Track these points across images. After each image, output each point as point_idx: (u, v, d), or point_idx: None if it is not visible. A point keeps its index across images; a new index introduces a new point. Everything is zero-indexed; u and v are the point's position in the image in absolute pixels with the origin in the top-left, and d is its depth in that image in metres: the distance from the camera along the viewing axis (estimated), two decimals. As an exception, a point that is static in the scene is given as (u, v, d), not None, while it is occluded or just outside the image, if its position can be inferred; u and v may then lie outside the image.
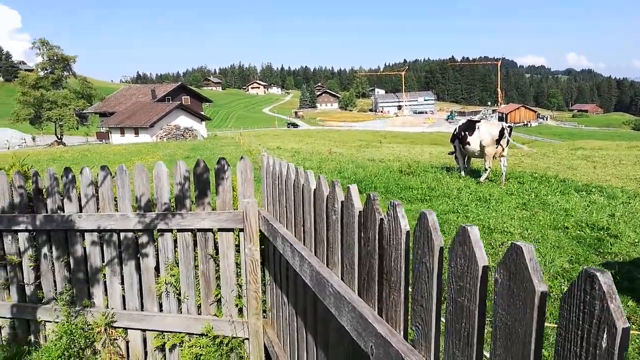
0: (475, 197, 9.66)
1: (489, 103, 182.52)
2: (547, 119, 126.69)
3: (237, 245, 3.34)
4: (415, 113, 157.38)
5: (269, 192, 3.06)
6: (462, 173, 12.55)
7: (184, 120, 49.05)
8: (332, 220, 1.85)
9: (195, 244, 3.41)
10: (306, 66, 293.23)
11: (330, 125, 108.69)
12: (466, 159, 12.82)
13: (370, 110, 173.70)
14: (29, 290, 3.92)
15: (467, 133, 12.16)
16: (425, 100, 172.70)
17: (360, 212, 1.61)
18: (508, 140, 11.63)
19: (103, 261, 3.65)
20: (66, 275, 3.78)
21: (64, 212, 3.71)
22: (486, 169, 11.67)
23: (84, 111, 60.86)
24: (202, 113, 56.74)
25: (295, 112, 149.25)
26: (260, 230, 3.11)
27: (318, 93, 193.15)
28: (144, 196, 3.46)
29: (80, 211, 3.66)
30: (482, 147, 11.65)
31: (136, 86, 73.32)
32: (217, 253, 3.36)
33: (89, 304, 3.70)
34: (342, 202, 1.76)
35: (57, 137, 59.37)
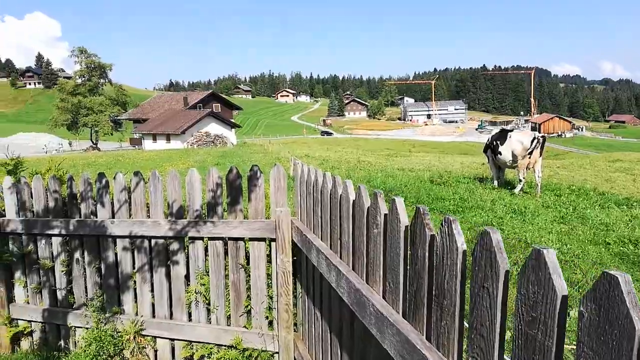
0: (510, 209, 9.36)
1: (522, 113, 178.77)
2: (582, 130, 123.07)
3: (269, 256, 3.25)
4: (445, 122, 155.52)
5: (302, 201, 2.96)
6: (496, 184, 12.25)
7: (214, 128, 49.75)
8: (374, 235, 1.73)
9: (226, 253, 3.34)
10: (335, 74, 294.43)
11: (358, 134, 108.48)
12: (500, 169, 12.52)
13: (399, 119, 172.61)
14: (60, 295, 3.93)
15: (498, 142, 11.91)
16: (455, 109, 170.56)
17: (406, 227, 1.49)
18: (542, 151, 11.29)
19: (134, 268, 3.62)
20: (97, 281, 3.77)
21: (96, 217, 3.71)
22: (520, 180, 11.34)
23: (119, 117, 62.51)
24: (232, 120, 57.46)
25: (324, 120, 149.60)
26: (292, 241, 3.01)
27: (346, 101, 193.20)
28: (175, 202, 3.42)
29: (113, 217, 3.65)
30: (514, 157, 11.37)
31: (169, 94, 75.02)
32: (247, 263, 3.28)
33: (119, 311, 3.67)
34: (385, 215, 1.64)
35: (93, 142, 61.13)
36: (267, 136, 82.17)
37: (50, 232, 3.82)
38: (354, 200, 1.96)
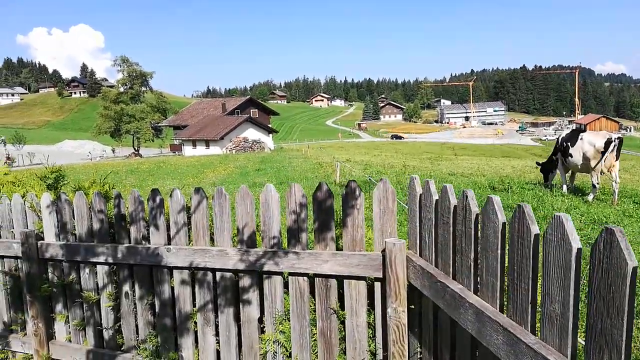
0: (589, 220, 8.31)
1: (564, 113, 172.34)
2: (630, 130, 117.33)
3: (369, 299, 2.49)
4: (484, 124, 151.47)
5: (426, 232, 2.18)
6: (564, 189, 11.16)
7: (252, 133, 49.70)
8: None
9: (312, 293, 2.61)
10: (369, 78, 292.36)
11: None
12: (570, 173, 11.46)
13: (436, 121, 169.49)
14: (107, 334, 3.29)
15: (569, 144, 10.86)
16: (494, 110, 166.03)
17: None
18: (618, 153, 10.15)
19: (194, 306, 2.94)
20: (150, 320, 3.11)
21: (149, 243, 3.05)
22: (594, 186, 10.21)
23: (159, 124, 63.55)
24: (270, 125, 57.36)
25: (359, 124, 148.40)
26: (408, 283, 2.24)
27: (381, 105, 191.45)
28: (247, 227, 2.72)
29: (169, 243, 2.99)
30: (585, 160, 10.30)
31: (207, 100, 75.80)
32: (341, 308, 2.53)
33: (176, 358, 3.00)
34: None
35: (135, 149, 62.31)
36: (302, 141, 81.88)
37: (95, 259, 3.19)
38: (578, 249, 1.18)
